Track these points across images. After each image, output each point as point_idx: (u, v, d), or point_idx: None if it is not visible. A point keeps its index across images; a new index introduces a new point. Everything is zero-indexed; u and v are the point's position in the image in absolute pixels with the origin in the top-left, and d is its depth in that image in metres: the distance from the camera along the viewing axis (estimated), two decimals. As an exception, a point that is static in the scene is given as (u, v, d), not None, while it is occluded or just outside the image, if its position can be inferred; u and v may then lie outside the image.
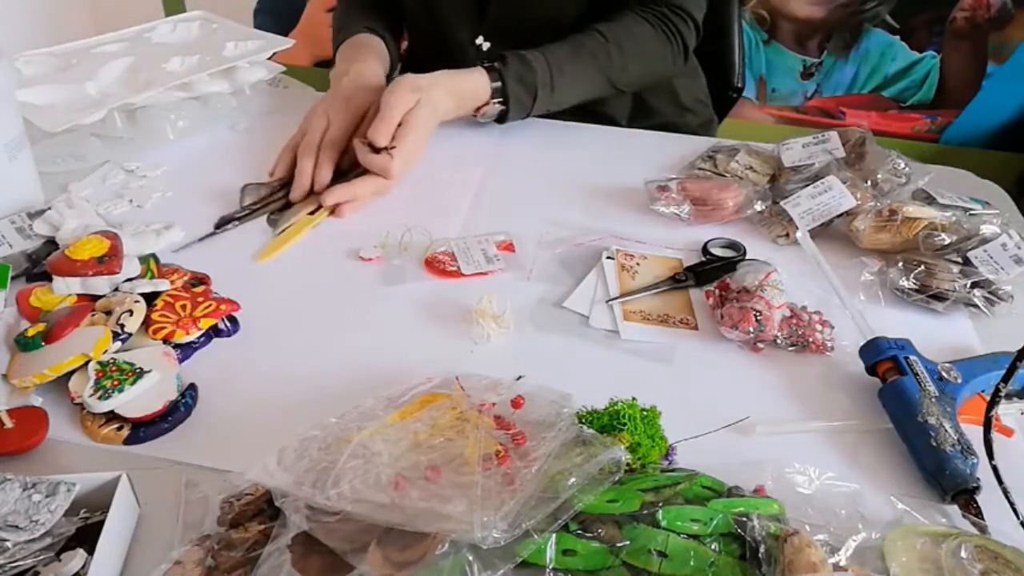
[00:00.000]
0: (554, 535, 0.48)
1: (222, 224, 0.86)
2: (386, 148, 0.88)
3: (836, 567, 0.48)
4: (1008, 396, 0.65)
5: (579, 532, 0.49)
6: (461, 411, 0.56)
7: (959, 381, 0.64)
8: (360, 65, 1.00)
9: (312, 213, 0.88)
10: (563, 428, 0.54)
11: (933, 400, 0.61)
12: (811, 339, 0.71)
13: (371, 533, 0.48)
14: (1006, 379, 0.57)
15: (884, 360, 0.66)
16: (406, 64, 1.17)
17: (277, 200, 0.90)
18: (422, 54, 1.18)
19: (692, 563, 0.48)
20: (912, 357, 0.65)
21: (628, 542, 0.48)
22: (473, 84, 0.97)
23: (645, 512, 0.50)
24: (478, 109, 0.99)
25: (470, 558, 0.45)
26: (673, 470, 0.56)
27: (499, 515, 0.46)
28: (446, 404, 0.58)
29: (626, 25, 1.03)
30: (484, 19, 1.08)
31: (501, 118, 1.01)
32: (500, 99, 0.98)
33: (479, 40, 1.09)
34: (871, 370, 0.67)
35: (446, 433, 0.54)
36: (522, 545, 0.46)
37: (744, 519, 0.50)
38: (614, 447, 0.53)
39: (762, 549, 0.48)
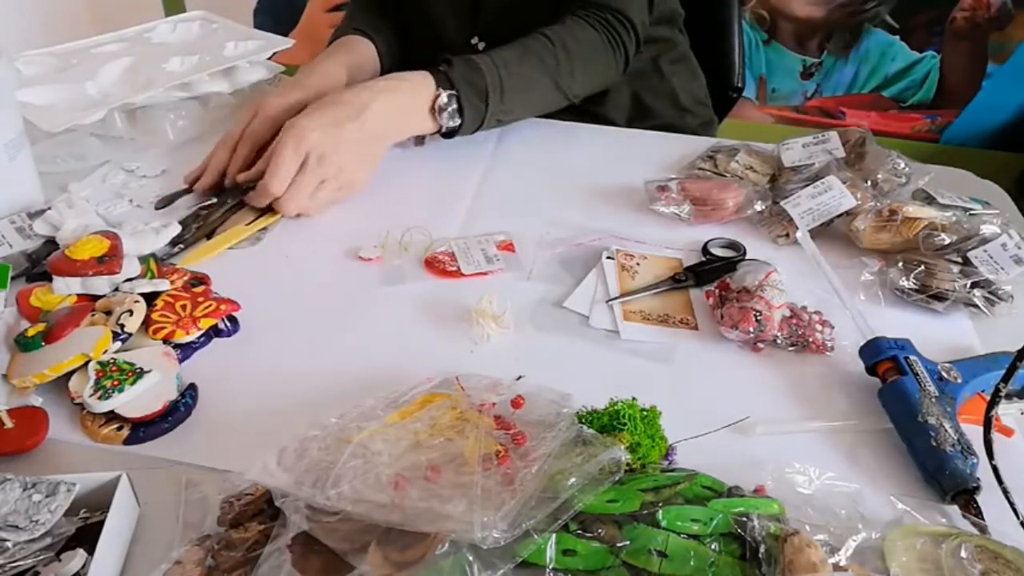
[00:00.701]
0: (554, 535, 0.48)
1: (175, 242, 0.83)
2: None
3: (836, 567, 0.48)
4: (1008, 396, 0.65)
5: (579, 532, 0.49)
6: (461, 411, 0.56)
7: (959, 381, 0.64)
8: (314, 63, 0.98)
9: (250, 223, 0.87)
10: (563, 428, 0.54)
11: (933, 400, 0.61)
12: (811, 339, 0.71)
13: (371, 533, 0.48)
14: (1006, 379, 0.57)
15: (884, 360, 0.66)
16: (403, 66, 1.17)
17: (214, 220, 0.87)
18: (418, 55, 1.18)
19: (692, 563, 0.48)
20: (912, 357, 0.65)
21: (628, 542, 0.48)
22: (414, 90, 0.90)
23: (645, 512, 0.50)
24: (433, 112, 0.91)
25: (470, 558, 0.45)
26: (673, 470, 0.56)
27: (499, 515, 0.46)
28: (446, 404, 0.58)
29: (571, 29, 0.99)
30: (478, 19, 1.07)
31: (449, 133, 0.93)
32: (454, 102, 0.91)
33: (474, 40, 1.08)
34: (871, 370, 0.67)
35: (446, 433, 0.54)
36: (522, 545, 0.46)
37: (744, 519, 0.50)
38: (614, 447, 0.53)
39: (762, 549, 0.48)
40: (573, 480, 0.50)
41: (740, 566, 0.48)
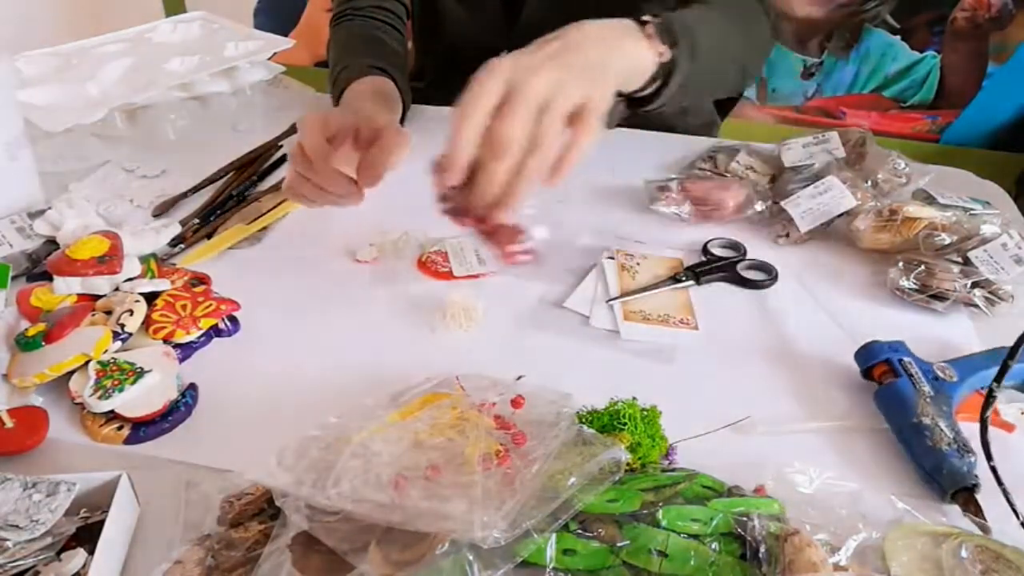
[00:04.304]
0: (554, 535, 0.48)
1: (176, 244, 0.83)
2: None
3: (836, 567, 0.48)
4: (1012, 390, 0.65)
5: (579, 532, 0.49)
6: (461, 411, 0.56)
7: (955, 379, 0.64)
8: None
9: (250, 223, 0.86)
10: (563, 428, 0.54)
11: (928, 400, 0.61)
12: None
13: (371, 533, 0.48)
14: (998, 379, 0.57)
15: (879, 363, 0.66)
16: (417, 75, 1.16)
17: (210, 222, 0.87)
18: (439, 66, 1.16)
19: (692, 563, 0.48)
20: (906, 359, 0.65)
21: (628, 542, 0.48)
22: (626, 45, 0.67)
23: (645, 512, 0.50)
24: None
25: (470, 558, 0.45)
26: (673, 470, 0.56)
27: (499, 515, 0.46)
28: (446, 404, 0.58)
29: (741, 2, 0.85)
30: (511, 33, 1.07)
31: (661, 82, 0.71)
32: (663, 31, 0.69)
33: (504, 53, 1.08)
34: (867, 373, 0.67)
35: (446, 433, 0.54)
36: (522, 545, 0.46)
37: (744, 519, 0.50)
38: (614, 447, 0.52)
39: (762, 549, 0.48)
40: (573, 480, 0.50)
41: (740, 566, 0.48)
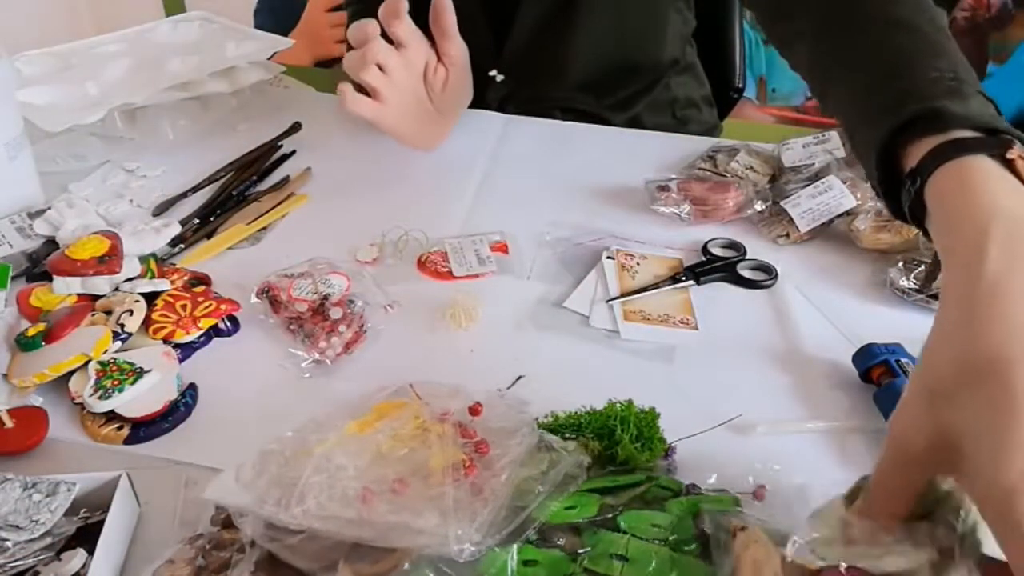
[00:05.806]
0: (515, 547, 0.47)
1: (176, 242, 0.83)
2: None
3: (785, 562, 0.47)
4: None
5: (539, 542, 0.48)
6: (423, 420, 0.55)
7: (952, 378, 0.64)
8: None
9: (250, 223, 0.87)
10: (525, 434, 0.54)
11: (927, 399, 0.61)
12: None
13: (338, 551, 0.47)
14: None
15: (876, 365, 0.66)
16: None
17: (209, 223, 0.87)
18: None
19: (653, 565, 0.47)
20: (903, 360, 0.65)
21: (589, 548, 0.48)
22: None
23: (605, 517, 0.50)
24: None
25: (430, 574, 0.45)
26: (633, 472, 0.55)
27: (473, 527, 0.46)
28: (408, 413, 0.56)
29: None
30: (501, 55, 1.07)
31: None
32: None
33: (493, 72, 1.09)
34: (865, 376, 0.67)
35: (409, 443, 0.53)
36: (486, 559, 0.46)
37: (701, 517, 0.49)
38: (576, 452, 0.52)
39: (715, 542, 0.48)
40: (541, 489, 0.49)
41: (701, 566, 0.48)
